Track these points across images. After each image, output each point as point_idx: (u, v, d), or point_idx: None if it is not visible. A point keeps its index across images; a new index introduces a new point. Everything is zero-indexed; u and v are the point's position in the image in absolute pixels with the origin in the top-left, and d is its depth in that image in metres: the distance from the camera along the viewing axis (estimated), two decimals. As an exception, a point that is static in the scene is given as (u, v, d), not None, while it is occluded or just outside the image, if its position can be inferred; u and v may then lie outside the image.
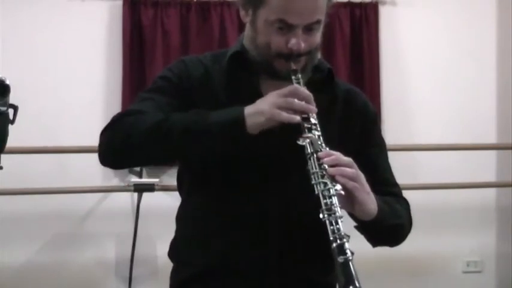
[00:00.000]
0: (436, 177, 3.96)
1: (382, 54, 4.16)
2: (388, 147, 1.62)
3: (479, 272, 4.30)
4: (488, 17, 4.31)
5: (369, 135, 1.57)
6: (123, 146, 1.39)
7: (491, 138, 4.28)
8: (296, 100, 1.32)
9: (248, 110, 1.34)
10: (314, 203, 1.27)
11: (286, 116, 1.30)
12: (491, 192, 4.31)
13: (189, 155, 1.41)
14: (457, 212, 4.18)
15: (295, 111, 1.32)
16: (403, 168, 2.01)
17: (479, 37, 4.30)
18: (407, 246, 1.56)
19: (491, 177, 4.25)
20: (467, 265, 4.29)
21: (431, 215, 3.95)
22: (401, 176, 1.66)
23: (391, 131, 3.78)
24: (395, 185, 1.58)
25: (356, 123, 1.55)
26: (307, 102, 1.33)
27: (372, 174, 1.37)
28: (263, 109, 1.32)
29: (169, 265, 1.58)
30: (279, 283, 1.45)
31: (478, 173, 4.09)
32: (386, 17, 4.17)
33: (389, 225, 1.44)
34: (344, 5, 4.03)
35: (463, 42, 4.27)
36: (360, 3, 4.10)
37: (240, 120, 1.33)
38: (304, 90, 1.36)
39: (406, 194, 1.60)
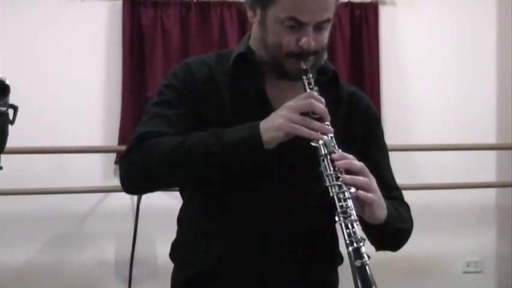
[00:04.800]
0: (436, 177, 3.96)
1: (382, 54, 4.15)
2: (388, 147, 1.62)
3: (479, 272, 4.30)
4: (488, 17, 4.30)
5: (372, 138, 1.57)
6: (144, 173, 1.40)
7: (491, 139, 4.28)
8: (314, 122, 1.32)
9: (263, 125, 1.34)
10: (315, 205, 1.27)
11: (307, 131, 1.31)
12: (491, 192, 4.31)
13: (208, 175, 1.40)
14: (457, 212, 4.18)
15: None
16: (403, 168, 2.01)
17: (479, 37, 4.30)
18: (407, 246, 1.56)
19: (491, 177, 4.25)
20: (467, 265, 4.29)
21: (431, 215, 3.95)
22: (401, 176, 1.66)
23: (391, 131, 3.75)
24: (397, 188, 1.58)
25: (359, 126, 1.54)
26: (323, 118, 1.34)
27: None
28: (281, 124, 1.32)
29: (169, 265, 1.57)
30: (280, 284, 1.45)
31: (478, 173, 4.09)
32: (387, 17, 4.17)
33: (395, 229, 1.44)
34: (344, 5, 4.02)
35: (463, 42, 4.27)
36: (360, 3, 4.09)
37: (257, 137, 1.33)
38: (319, 98, 1.35)
39: (406, 194, 1.60)
